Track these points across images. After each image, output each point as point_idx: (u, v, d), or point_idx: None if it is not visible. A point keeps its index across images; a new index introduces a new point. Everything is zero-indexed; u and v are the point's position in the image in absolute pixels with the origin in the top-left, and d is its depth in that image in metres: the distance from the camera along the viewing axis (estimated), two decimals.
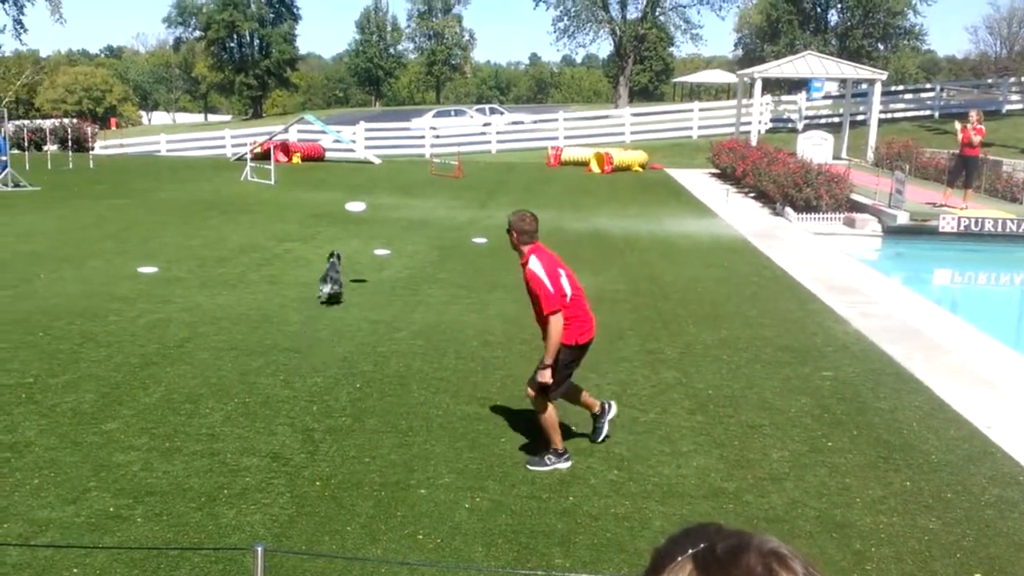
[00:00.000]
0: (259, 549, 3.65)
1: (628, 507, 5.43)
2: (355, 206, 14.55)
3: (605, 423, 6.42)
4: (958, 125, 18.37)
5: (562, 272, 6.00)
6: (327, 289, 10.15)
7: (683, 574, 1.13)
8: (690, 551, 1.15)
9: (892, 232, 17.37)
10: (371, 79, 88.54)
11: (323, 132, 32.36)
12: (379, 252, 13.51)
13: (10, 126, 29.47)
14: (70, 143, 30.14)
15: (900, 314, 10.62)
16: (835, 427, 6.82)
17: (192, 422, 6.60)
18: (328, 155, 32.21)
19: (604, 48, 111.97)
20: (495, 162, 32.40)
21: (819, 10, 56.55)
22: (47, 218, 16.42)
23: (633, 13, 51.12)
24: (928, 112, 38.12)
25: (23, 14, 42.02)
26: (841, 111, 33.90)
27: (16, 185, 20.78)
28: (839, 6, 55.69)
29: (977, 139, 17.69)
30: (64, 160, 27.59)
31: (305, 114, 36.10)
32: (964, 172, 18.29)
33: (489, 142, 37.22)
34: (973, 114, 18.16)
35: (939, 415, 7.15)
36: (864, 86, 34.21)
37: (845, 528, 5.25)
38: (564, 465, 5.99)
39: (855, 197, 19.28)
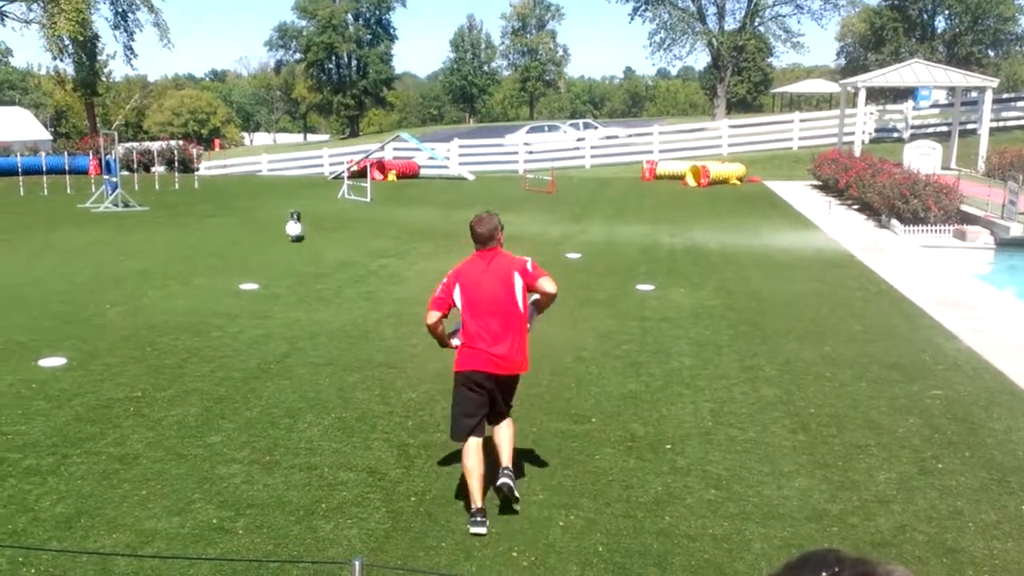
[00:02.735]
0: (357, 563, 3.66)
1: (727, 528, 5.30)
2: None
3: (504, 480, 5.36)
4: None
5: (458, 286, 5.44)
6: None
7: None
8: None
9: (1005, 244, 16.67)
10: (465, 96, 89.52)
11: (418, 149, 32.82)
12: None
13: (120, 148, 30.71)
14: (176, 164, 31.28)
15: (1014, 330, 10.16)
16: (946, 448, 6.54)
17: (291, 436, 6.72)
18: (423, 172, 32.66)
19: (701, 60, 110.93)
20: (589, 177, 32.33)
21: (925, 17, 54.86)
22: (155, 237, 17.03)
23: (731, 24, 50.52)
24: None
25: (133, 40, 43.73)
26: (950, 120, 32.80)
27: (126, 205, 21.63)
28: (946, 12, 53.93)
29: None
30: (171, 181, 28.63)
31: (401, 132, 36.71)
32: None
33: (583, 157, 37.17)
34: None
35: None
36: (974, 94, 33.03)
37: (957, 554, 5.01)
38: (472, 530, 5.20)
39: (965, 208, 18.59)
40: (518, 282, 5.44)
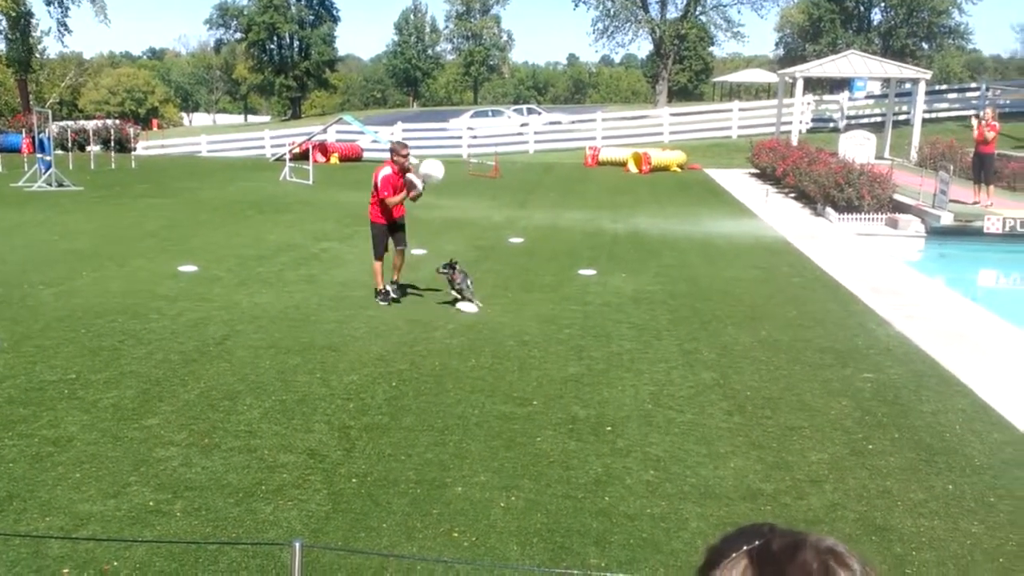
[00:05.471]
0: (297, 544, 3.66)
1: (664, 507, 5.39)
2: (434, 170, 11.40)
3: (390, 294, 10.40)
4: (974, 122, 18.58)
5: (379, 178, 10.81)
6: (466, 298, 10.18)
7: (737, 570, 1.12)
8: (745, 548, 1.14)
9: (936, 233, 17.11)
10: (409, 80, 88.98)
11: (361, 133, 32.55)
12: (416, 252, 13.56)
13: (54, 127, 29.95)
14: (113, 144, 30.60)
15: (944, 316, 10.46)
16: (876, 429, 6.73)
17: (231, 419, 6.66)
18: (366, 155, 32.40)
19: (643, 48, 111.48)
20: (532, 162, 32.39)
21: (862, 9, 55.91)
22: (90, 217, 16.67)
23: (673, 12, 50.90)
24: (973, 112, 37.52)
25: (67, 16, 42.59)
26: (884, 110, 33.48)
27: (60, 185, 21.13)
28: (882, 5, 55.01)
29: (991, 135, 17.96)
30: (107, 160, 28.02)
31: (343, 115, 36.34)
32: (981, 169, 18.49)
33: (526, 142, 37.21)
34: (987, 111, 18.47)
35: (982, 418, 7.03)
36: (908, 85, 33.75)
37: (886, 531, 5.17)
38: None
39: (898, 197, 19.03)
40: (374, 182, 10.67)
